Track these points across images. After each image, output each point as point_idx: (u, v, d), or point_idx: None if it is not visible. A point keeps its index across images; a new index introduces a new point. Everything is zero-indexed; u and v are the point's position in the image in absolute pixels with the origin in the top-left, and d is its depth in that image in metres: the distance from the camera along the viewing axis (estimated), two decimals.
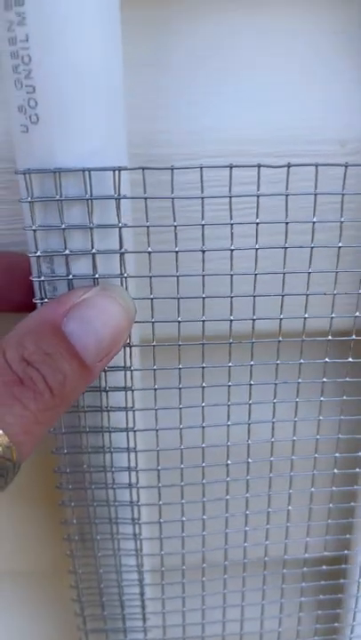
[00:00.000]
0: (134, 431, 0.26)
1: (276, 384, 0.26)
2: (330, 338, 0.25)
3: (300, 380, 0.26)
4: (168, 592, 0.31)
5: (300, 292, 0.24)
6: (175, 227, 0.22)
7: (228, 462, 0.27)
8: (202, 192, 0.22)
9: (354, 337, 0.25)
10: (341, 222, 0.23)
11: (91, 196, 0.21)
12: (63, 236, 0.21)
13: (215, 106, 0.26)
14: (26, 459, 0.19)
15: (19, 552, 0.37)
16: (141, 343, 0.25)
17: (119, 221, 0.21)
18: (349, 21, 0.26)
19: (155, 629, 0.32)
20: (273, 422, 0.27)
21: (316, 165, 0.22)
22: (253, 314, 0.24)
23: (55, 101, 0.19)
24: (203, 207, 0.22)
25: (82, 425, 0.25)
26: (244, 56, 0.26)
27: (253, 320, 0.24)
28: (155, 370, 0.24)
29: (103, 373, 0.24)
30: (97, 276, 0.22)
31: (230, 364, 0.25)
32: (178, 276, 0.23)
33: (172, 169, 0.21)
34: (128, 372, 0.24)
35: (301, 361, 0.25)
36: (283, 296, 0.24)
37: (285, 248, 0.23)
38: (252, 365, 0.25)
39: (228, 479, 0.28)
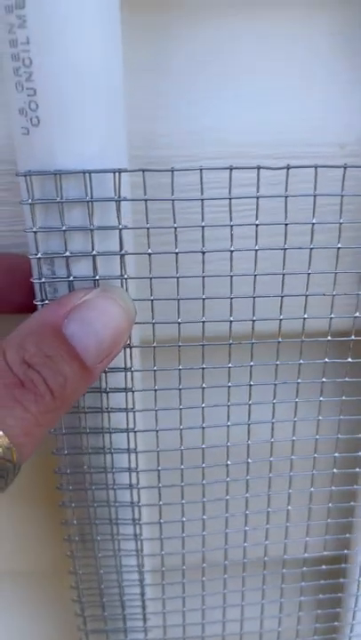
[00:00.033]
0: (135, 432, 0.26)
1: (275, 384, 0.26)
2: (329, 338, 0.25)
3: (299, 381, 0.26)
4: (168, 592, 0.31)
5: (300, 293, 0.24)
6: (175, 228, 0.22)
7: (228, 462, 0.27)
8: (202, 194, 0.22)
9: (353, 337, 0.25)
10: (340, 224, 0.23)
11: (91, 197, 0.21)
12: (64, 238, 0.21)
13: (215, 108, 0.26)
14: (26, 460, 0.19)
15: (19, 552, 0.37)
16: (142, 344, 0.25)
17: (119, 223, 0.22)
18: (346, 22, 0.26)
19: (155, 629, 0.32)
20: (273, 422, 0.27)
21: (316, 167, 0.22)
22: (253, 315, 0.24)
23: (56, 104, 0.20)
24: (202, 209, 0.22)
25: (82, 426, 0.25)
26: (244, 60, 0.26)
27: (253, 321, 0.24)
28: (155, 371, 0.25)
29: (104, 374, 0.24)
30: (97, 277, 0.22)
31: (230, 365, 0.25)
32: (178, 278, 0.23)
33: (171, 171, 0.21)
34: (128, 373, 0.24)
35: (301, 361, 0.25)
36: (282, 297, 0.24)
37: (285, 249, 0.23)
38: (251, 366, 0.25)
39: (228, 479, 0.28)
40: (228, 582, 0.31)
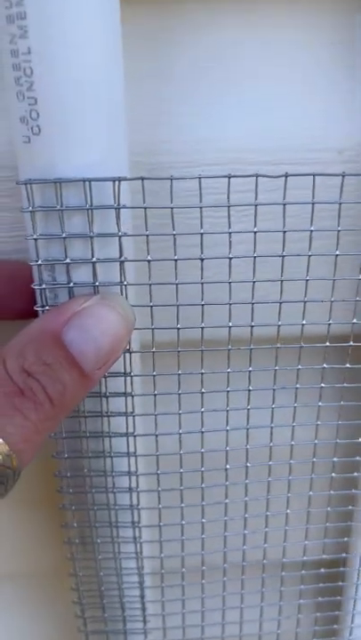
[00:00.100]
0: (134, 436, 0.26)
1: (274, 389, 0.26)
2: (328, 344, 0.25)
3: (298, 386, 0.26)
4: (168, 594, 0.31)
5: (298, 300, 0.24)
6: (174, 235, 0.22)
7: (228, 466, 0.27)
8: (200, 201, 0.22)
9: (351, 343, 0.25)
10: (338, 231, 0.23)
11: (91, 205, 0.21)
12: (64, 245, 0.22)
13: (217, 114, 0.26)
14: (26, 466, 0.19)
15: (20, 554, 0.37)
16: (141, 349, 0.25)
17: (119, 230, 0.22)
18: (347, 31, 0.26)
19: (155, 631, 0.32)
20: (271, 427, 0.27)
21: (314, 175, 0.22)
22: (252, 320, 0.24)
23: (57, 113, 0.20)
24: (201, 215, 0.22)
25: (82, 430, 0.25)
26: (246, 67, 0.26)
27: (252, 326, 0.24)
28: (154, 375, 0.25)
29: (103, 379, 0.24)
30: (97, 283, 0.22)
31: (229, 370, 0.25)
32: (177, 284, 0.23)
33: (171, 179, 0.22)
34: (128, 378, 0.25)
35: (300, 366, 0.25)
36: (281, 303, 0.24)
37: (283, 257, 0.23)
38: (250, 371, 0.25)
39: (228, 483, 0.28)
40: (227, 585, 0.31)
